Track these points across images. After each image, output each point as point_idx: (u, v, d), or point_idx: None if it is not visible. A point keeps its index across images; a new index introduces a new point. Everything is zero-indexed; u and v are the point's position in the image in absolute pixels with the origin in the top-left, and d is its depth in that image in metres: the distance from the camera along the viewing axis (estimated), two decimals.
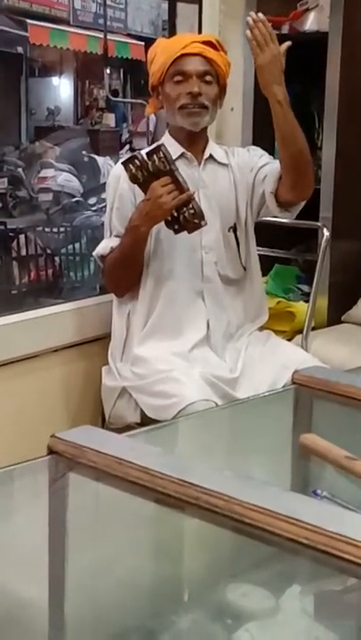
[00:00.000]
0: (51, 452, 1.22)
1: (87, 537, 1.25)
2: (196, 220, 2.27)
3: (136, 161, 2.24)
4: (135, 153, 2.28)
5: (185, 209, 2.26)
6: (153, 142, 2.75)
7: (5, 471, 1.21)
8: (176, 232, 2.32)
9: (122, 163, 2.31)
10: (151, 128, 10.09)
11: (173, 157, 2.37)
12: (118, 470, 1.15)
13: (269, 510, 1.01)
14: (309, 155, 2.37)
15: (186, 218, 2.27)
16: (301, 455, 1.35)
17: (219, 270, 2.46)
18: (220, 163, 2.49)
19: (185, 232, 2.31)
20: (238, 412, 1.56)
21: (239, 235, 2.49)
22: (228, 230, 2.47)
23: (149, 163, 2.23)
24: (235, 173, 2.49)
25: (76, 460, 1.19)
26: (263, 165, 2.44)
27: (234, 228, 2.48)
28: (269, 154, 2.59)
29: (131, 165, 2.25)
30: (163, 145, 2.26)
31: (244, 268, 2.52)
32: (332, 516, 1.02)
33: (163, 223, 2.32)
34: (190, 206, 2.25)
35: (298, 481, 1.40)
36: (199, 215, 2.27)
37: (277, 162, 2.38)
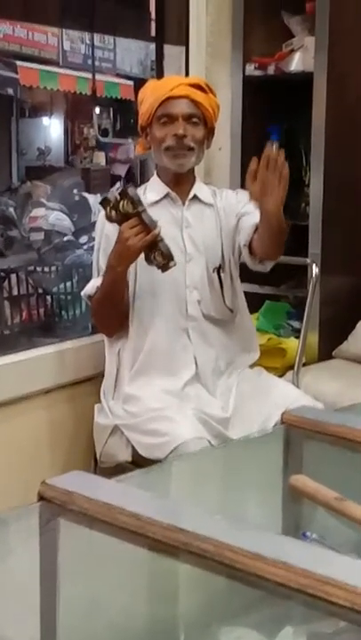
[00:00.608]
0: (41, 498, 1.22)
1: (78, 583, 1.24)
2: (165, 261, 2.28)
3: (109, 201, 2.26)
4: (109, 193, 2.31)
5: (155, 249, 2.27)
6: (132, 171, 2.77)
7: None
8: (160, 269, 2.33)
9: (99, 202, 2.35)
10: (131, 155, 10.17)
11: (158, 198, 2.43)
12: (108, 516, 1.15)
13: (259, 555, 1.01)
14: (284, 226, 2.35)
15: (156, 258, 2.29)
16: (292, 496, 1.35)
17: (202, 309, 2.48)
18: (205, 203, 2.51)
19: (171, 271, 2.33)
20: (229, 454, 1.56)
21: (224, 276, 2.50)
22: (213, 271, 2.48)
23: (120, 203, 2.25)
24: (220, 215, 2.51)
25: (66, 506, 1.19)
26: (243, 215, 2.45)
27: (218, 269, 2.49)
28: None
29: (106, 205, 2.28)
30: (130, 186, 2.28)
31: (230, 310, 2.53)
32: (321, 559, 1.02)
33: (143, 260, 2.33)
34: (158, 247, 2.27)
35: (288, 522, 1.40)
36: (167, 256, 2.27)
37: (257, 214, 2.36)
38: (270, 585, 0.99)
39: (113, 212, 2.26)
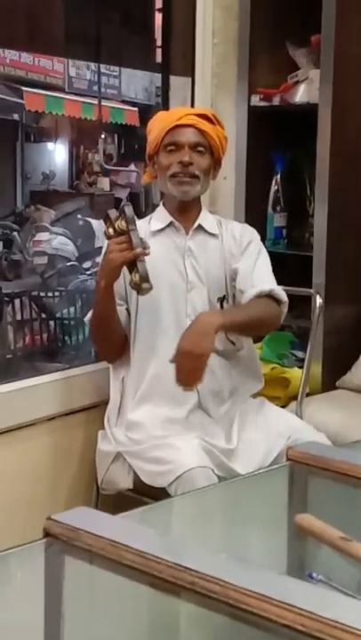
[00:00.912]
0: (47, 534, 1.22)
1: (83, 620, 1.24)
2: (140, 282, 2.26)
3: (110, 218, 2.29)
4: (110, 211, 2.33)
5: (134, 269, 2.28)
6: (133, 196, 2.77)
7: (1, 555, 1.20)
8: (135, 290, 2.32)
9: (102, 219, 2.37)
10: (133, 180, 10.21)
11: (162, 226, 2.46)
12: (113, 553, 1.15)
13: (266, 596, 1.00)
14: (272, 318, 2.44)
15: (132, 279, 2.29)
16: (297, 535, 1.34)
17: None
18: (209, 233, 2.52)
19: (172, 299, 2.33)
20: (233, 490, 1.55)
21: (227, 308, 2.51)
22: (217, 301, 2.49)
23: (116, 222, 2.27)
24: (224, 247, 2.52)
25: (71, 542, 1.19)
26: (240, 265, 2.47)
27: (222, 300, 2.50)
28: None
29: (106, 221, 2.31)
30: (127, 205, 2.30)
31: (232, 343, 2.53)
32: (327, 601, 1.02)
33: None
34: (136, 267, 2.27)
35: (294, 562, 1.40)
36: (143, 278, 2.26)
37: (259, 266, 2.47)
38: (276, 627, 0.99)
39: (110, 230, 2.29)
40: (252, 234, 2.55)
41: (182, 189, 2.44)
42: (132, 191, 10.22)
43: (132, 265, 2.26)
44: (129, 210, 2.27)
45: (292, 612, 0.99)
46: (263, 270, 2.49)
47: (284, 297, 2.45)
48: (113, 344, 2.48)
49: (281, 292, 2.44)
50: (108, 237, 2.30)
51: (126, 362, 2.49)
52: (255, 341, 2.72)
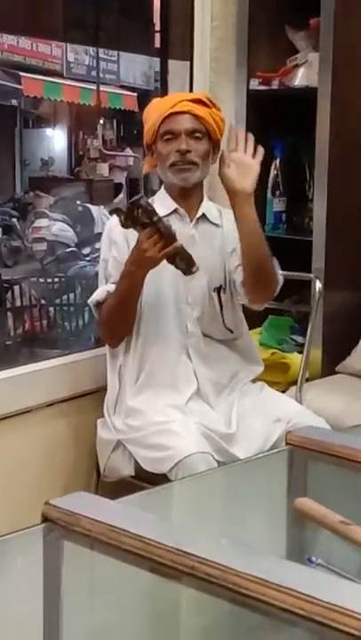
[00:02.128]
0: (45, 519, 1.22)
1: (82, 606, 1.24)
2: (188, 267, 2.30)
3: (122, 211, 2.27)
4: (119, 204, 2.31)
5: (177, 257, 2.28)
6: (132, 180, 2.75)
7: (0, 540, 1.20)
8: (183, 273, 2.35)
9: (110, 211, 2.35)
10: (130, 162, 10.20)
11: (166, 213, 2.41)
12: (112, 538, 1.14)
13: (266, 580, 1.00)
14: (271, 267, 2.41)
15: (178, 265, 2.29)
16: (296, 519, 1.34)
17: (201, 327, 2.48)
18: (212, 223, 2.51)
19: (174, 287, 2.33)
20: (232, 475, 1.55)
21: (224, 297, 2.49)
22: (214, 290, 2.48)
23: (135, 213, 2.26)
24: (225, 237, 2.51)
25: (70, 527, 1.19)
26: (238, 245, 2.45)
27: (219, 290, 2.49)
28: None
29: (120, 214, 2.28)
30: (142, 197, 2.28)
31: (230, 331, 2.52)
32: (327, 585, 1.02)
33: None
34: (180, 255, 2.27)
35: (293, 546, 1.40)
36: (190, 262, 2.29)
37: None
38: (276, 611, 0.98)
39: (128, 221, 2.27)
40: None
41: (182, 177, 2.43)
42: (131, 177, 10.20)
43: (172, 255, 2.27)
44: (145, 201, 2.25)
45: (292, 596, 0.99)
46: None
47: (281, 279, 2.46)
48: (126, 328, 2.46)
49: (279, 270, 2.46)
50: (127, 227, 2.29)
51: (124, 350, 2.49)
52: (254, 327, 2.72)
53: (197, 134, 2.41)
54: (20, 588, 1.22)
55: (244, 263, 2.39)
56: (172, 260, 2.29)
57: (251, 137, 2.35)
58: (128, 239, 2.39)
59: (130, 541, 1.13)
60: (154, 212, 2.25)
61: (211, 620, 1.24)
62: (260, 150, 2.34)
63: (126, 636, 1.23)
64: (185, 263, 2.29)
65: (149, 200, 2.35)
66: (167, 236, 2.25)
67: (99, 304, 2.48)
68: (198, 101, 2.45)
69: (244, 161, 2.32)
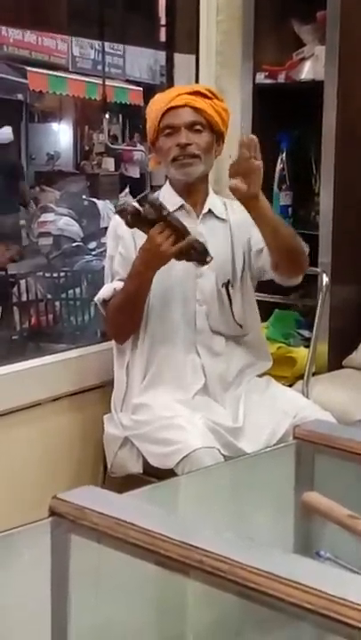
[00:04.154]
0: (53, 513, 1.22)
1: (90, 599, 1.24)
2: (202, 258, 2.29)
3: (128, 212, 2.26)
4: (125, 204, 2.30)
5: (191, 250, 2.27)
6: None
7: (7, 534, 1.20)
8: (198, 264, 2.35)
9: (115, 213, 2.34)
10: (139, 160, 10.18)
11: (173, 209, 2.39)
12: (119, 532, 1.14)
13: (272, 574, 1.00)
14: (299, 245, 2.40)
15: (192, 257, 2.29)
16: (304, 514, 1.34)
17: (210, 324, 2.47)
18: (219, 218, 2.51)
19: (182, 284, 2.31)
20: (240, 469, 1.55)
21: (233, 292, 2.49)
22: (222, 286, 2.47)
23: (142, 211, 2.24)
24: (233, 230, 2.50)
25: (77, 521, 1.18)
26: (254, 231, 2.43)
27: (227, 285, 2.48)
28: (268, 200, 2.57)
29: (125, 215, 2.27)
30: (148, 193, 2.29)
31: (240, 326, 2.52)
32: (335, 579, 1.02)
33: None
34: (194, 247, 2.27)
35: (301, 540, 1.40)
36: (204, 253, 2.29)
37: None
38: (284, 605, 0.98)
39: (135, 221, 2.26)
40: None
41: (184, 171, 2.42)
42: (141, 171, 10.18)
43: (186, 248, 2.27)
44: (152, 196, 2.25)
45: (300, 590, 0.98)
46: None
47: (307, 248, 2.45)
48: (134, 326, 2.45)
49: (302, 242, 2.44)
50: (134, 227, 2.28)
51: (131, 346, 2.48)
52: (261, 321, 2.71)
53: (197, 127, 2.40)
54: (28, 582, 1.22)
55: (274, 252, 2.37)
56: (185, 254, 2.28)
57: (255, 141, 2.26)
58: (135, 235, 2.39)
59: (137, 535, 1.12)
60: (163, 207, 2.24)
61: (218, 613, 1.24)
62: (259, 159, 2.25)
63: (133, 630, 1.23)
64: (199, 253, 2.28)
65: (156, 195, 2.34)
66: (179, 230, 2.24)
67: (105, 301, 2.48)
68: (197, 93, 2.44)
69: (248, 169, 2.26)
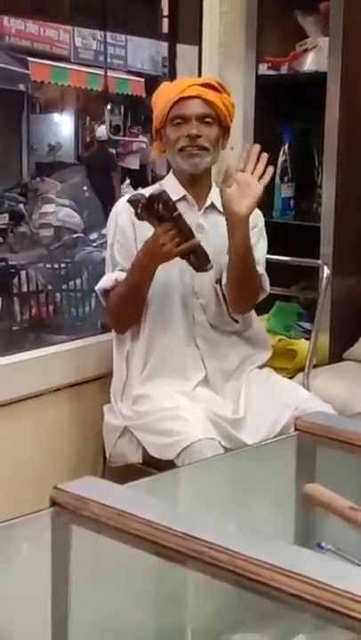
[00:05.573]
0: (53, 503, 1.21)
1: (90, 590, 1.24)
2: (203, 265, 2.29)
3: (140, 203, 2.24)
4: (138, 195, 2.28)
5: (191, 255, 2.27)
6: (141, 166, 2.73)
7: (8, 524, 1.20)
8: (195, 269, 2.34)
9: (127, 201, 2.33)
10: (140, 151, 10.17)
11: (175, 199, 2.37)
12: (120, 523, 1.14)
13: (273, 565, 1.00)
14: (250, 287, 2.42)
15: (192, 262, 2.28)
16: (305, 505, 1.34)
17: (208, 317, 2.47)
18: (220, 212, 2.49)
19: (181, 277, 2.32)
20: (241, 461, 1.55)
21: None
22: (216, 282, 2.46)
23: (154, 206, 2.23)
24: None
25: (78, 512, 1.18)
26: None
27: (220, 281, 2.46)
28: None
29: (136, 205, 2.25)
30: (164, 191, 2.25)
31: (236, 321, 2.51)
32: (336, 571, 1.02)
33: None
34: (196, 252, 2.26)
35: (302, 532, 1.40)
36: (204, 260, 2.28)
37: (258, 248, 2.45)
38: (285, 596, 0.98)
39: (145, 213, 2.25)
40: (257, 217, 2.48)
41: (192, 162, 2.40)
42: (141, 162, 10.17)
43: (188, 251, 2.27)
44: (166, 195, 2.22)
45: (301, 582, 0.98)
46: (260, 254, 2.48)
47: (268, 287, 2.49)
48: (135, 316, 2.45)
49: (267, 281, 2.48)
50: (142, 219, 2.27)
51: (131, 337, 2.48)
52: (261, 313, 2.71)
53: (208, 119, 2.39)
54: (28, 572, 1.22)
55: (228, 274, 2.40)
56: (186, 256, 2.28)
57: (264, 157, 2.26)
58: (135, 224, 2.38)
59: (138, 526, 1.12)
60: (175, 208, 2.23)
61: (218, 604, 1.24)
62: (270, 170, 2.26)
63: (134, 621, 1.23)
64: (199, 260, 2.28)
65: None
66: (185, 233, 2.24)
67: (106, 291, 2.47)
68: (209, 86, 2.43)
69: (248, 182, 2.24)
